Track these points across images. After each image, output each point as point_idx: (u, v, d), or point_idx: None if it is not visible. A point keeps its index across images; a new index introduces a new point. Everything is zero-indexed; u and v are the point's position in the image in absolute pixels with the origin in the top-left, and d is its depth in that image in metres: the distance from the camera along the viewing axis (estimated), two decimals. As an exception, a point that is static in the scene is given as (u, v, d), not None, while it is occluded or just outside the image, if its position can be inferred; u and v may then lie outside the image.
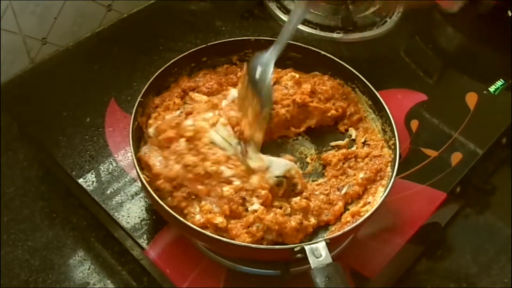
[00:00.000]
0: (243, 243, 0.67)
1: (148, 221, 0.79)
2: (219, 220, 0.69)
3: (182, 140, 0.74)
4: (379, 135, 0.83)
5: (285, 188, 0.74)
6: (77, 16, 1.02)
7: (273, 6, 1.11)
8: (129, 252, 0.81)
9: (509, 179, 0.93)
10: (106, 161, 0.86)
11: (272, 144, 0.82)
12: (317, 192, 0.77)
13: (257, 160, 0.74)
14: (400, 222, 0.81)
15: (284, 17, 1.09)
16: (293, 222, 0.71)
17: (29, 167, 0.90)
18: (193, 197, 0.71)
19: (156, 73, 0.81)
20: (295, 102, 0.83)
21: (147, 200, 0.81)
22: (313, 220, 0.74)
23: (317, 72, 0.89)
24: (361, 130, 0.85)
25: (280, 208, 0.72)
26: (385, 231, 0.80)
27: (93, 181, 0.83)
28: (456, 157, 0.89)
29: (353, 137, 0.85)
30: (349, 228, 0.69)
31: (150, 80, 0.80)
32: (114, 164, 0.85)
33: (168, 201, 0.71)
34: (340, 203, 0.76)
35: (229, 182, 0.71)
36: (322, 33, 1.07)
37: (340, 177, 0.79)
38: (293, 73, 0.86)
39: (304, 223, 0.72)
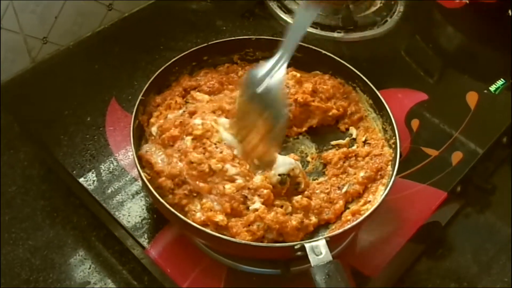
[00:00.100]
0: (243, 241, 0.67)
1: (149, 220, 0.79)
2: (220, 218, 0.69)
3: (188, 138, 0.74)
4: (379, 134, 0.83)
5: (288, 187, 0.74)
6: (78, 15, 1.02)
7: (273, 6, 1.11)
8: (129, 251, 0.81)
9: (510, 178, 0.93)
10: (107, 160, 0.86)
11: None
12: (317, 191, 0.77)
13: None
14: (400, 222, 0.81)
15: (285, 16, 1.09)
16: (294, 221, 0.71)
17: (30, 166, 0.90)
18: (194, 194, 0.71)
19: (158, 72, 0.82)
20: (297, 102, 0.83)
21: (147, 199, 0.81)
22: (313, 219, 0.74)
23: (318, 72, 0.89)
24: (361, 129, 0.85)
25: (281, 207, 0.72)
26: (385, 230, 0.80)
27: (94, 180, 0.83)
28: (456, 157, 0.89)
29: (354, 136, 0.85)
30: (349, 226, 0.69)
31: (152, 78, 0.80)
32: (115, 163, 0.85)
33: (169, 199, 0.71)
34: (341, 202, 0.76)
35: (232, 180, 0.71)
36: (323, 33, 1.07)
37: (340, 176, 0.79)
38: (294, 72, 0.86)
39: (305, 222, 0.72)
